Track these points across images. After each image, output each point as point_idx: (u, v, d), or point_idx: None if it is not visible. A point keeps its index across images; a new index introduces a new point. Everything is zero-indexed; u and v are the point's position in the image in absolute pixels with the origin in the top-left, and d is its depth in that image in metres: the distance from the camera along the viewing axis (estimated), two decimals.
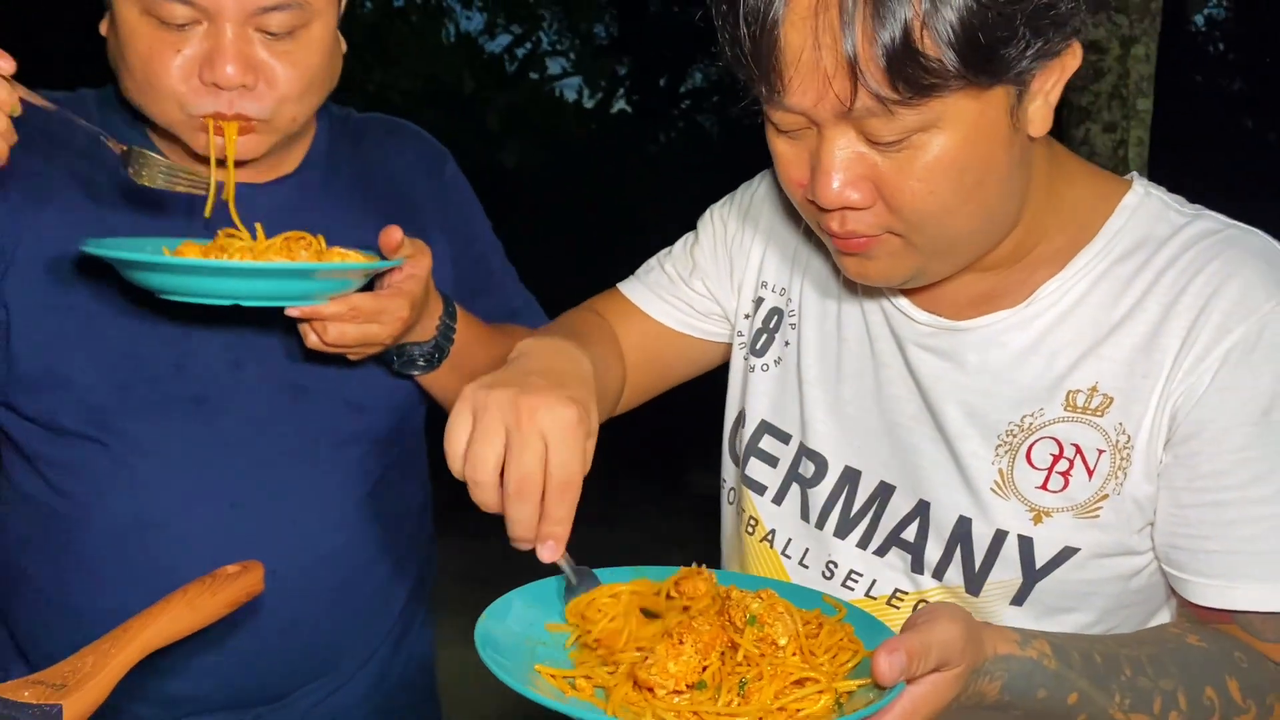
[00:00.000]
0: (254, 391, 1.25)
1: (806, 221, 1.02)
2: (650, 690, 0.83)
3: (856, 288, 1.13)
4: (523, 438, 0.87)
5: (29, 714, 0.80)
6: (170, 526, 1.23)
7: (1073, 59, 0.92)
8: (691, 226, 1.32)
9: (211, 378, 1.24)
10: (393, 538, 1.38)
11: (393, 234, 1.14)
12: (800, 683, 0.82)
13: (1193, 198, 1.06)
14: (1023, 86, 0.90)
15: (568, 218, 8.21)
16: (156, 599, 0.94)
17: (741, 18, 0.88)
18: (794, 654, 0.85)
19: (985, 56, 0.84)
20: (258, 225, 1.18)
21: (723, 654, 0.85)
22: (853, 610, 0.94)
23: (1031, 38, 0.85)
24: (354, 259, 1.16)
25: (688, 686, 0.83)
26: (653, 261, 1.31)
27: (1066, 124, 3.22)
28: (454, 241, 1.39)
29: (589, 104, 9.92)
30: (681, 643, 0.84)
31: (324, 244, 1.16)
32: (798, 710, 0.81)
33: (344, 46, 1.25)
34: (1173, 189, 1.07)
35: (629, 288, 1.30)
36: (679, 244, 1.30)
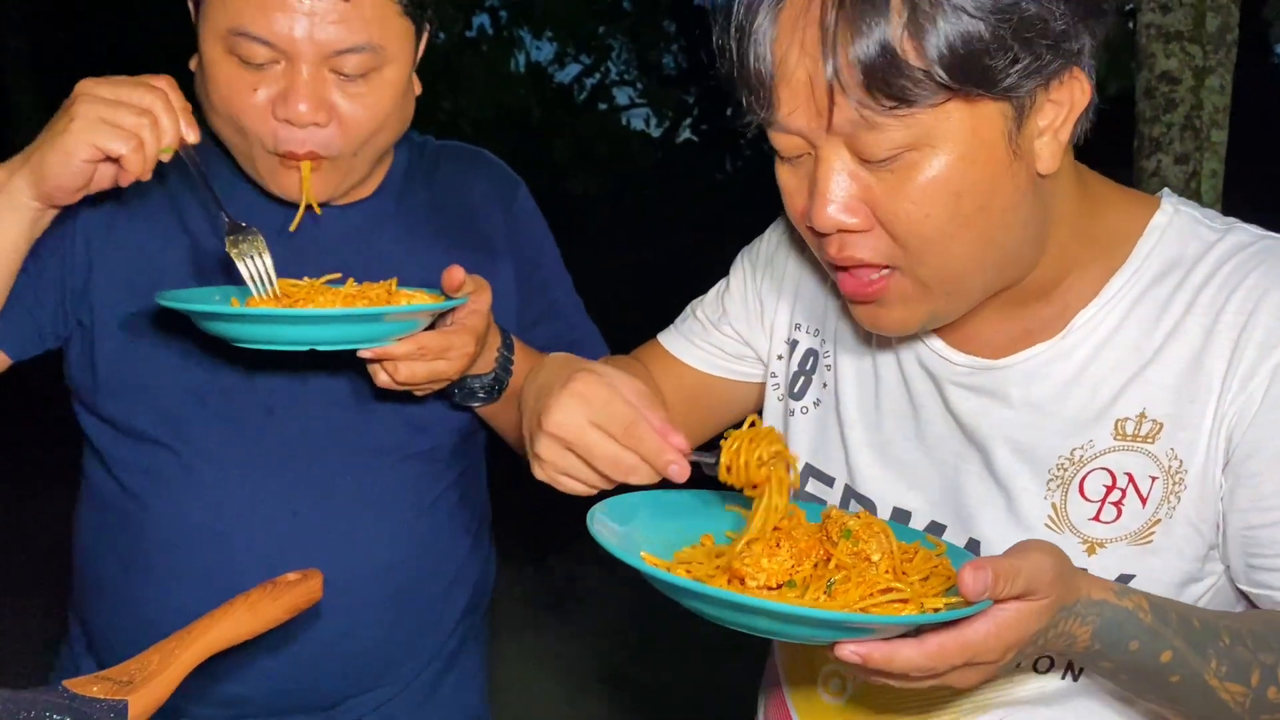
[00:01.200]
0: (320, 404, 1.29)
1: (817, 257, 1.02)
2: (741, 581, 0.86)
3: None
4: (573, 437, 0.94)
5: (97, 708, 0.83)
6: (233, 532, 1.27)
7: (1081, 94, 0.90)
8: None
9: (280, 389, 1.28)
10: (449, 555, 1.40)
11: (455, 274, 1.17)
12: (886, 592, 0.84)
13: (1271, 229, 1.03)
14: (1020, 109, 0.88)
15: (634, 245, 8.26)
16: (218, 602, 0.97)
17: (732, 35, 0.90)
18: (886, 571, 0.87)
19: (969, 65, 0.83)
20: (307, 279, 1.22)
21: (815, 565, 0.88)
22: (952, 548, 0.95)
23: (1020, 51, 0.84)
24: (420, 299, 1.19)
25: (778, 585, 0.86)
26: (688, 309, 1.33)
27: (1137, 155, 3.17)
28: (519, 267, 1.42)
29: (656, 133, 10.00)
30: (779, 545, 0.87)
31: (394, 286, 1.20)
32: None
33: (418, 89, 1.30)
34: (1249, 221, 1.04)
35: (666, 336, 1.33)
36: (713, 290, 1.32)
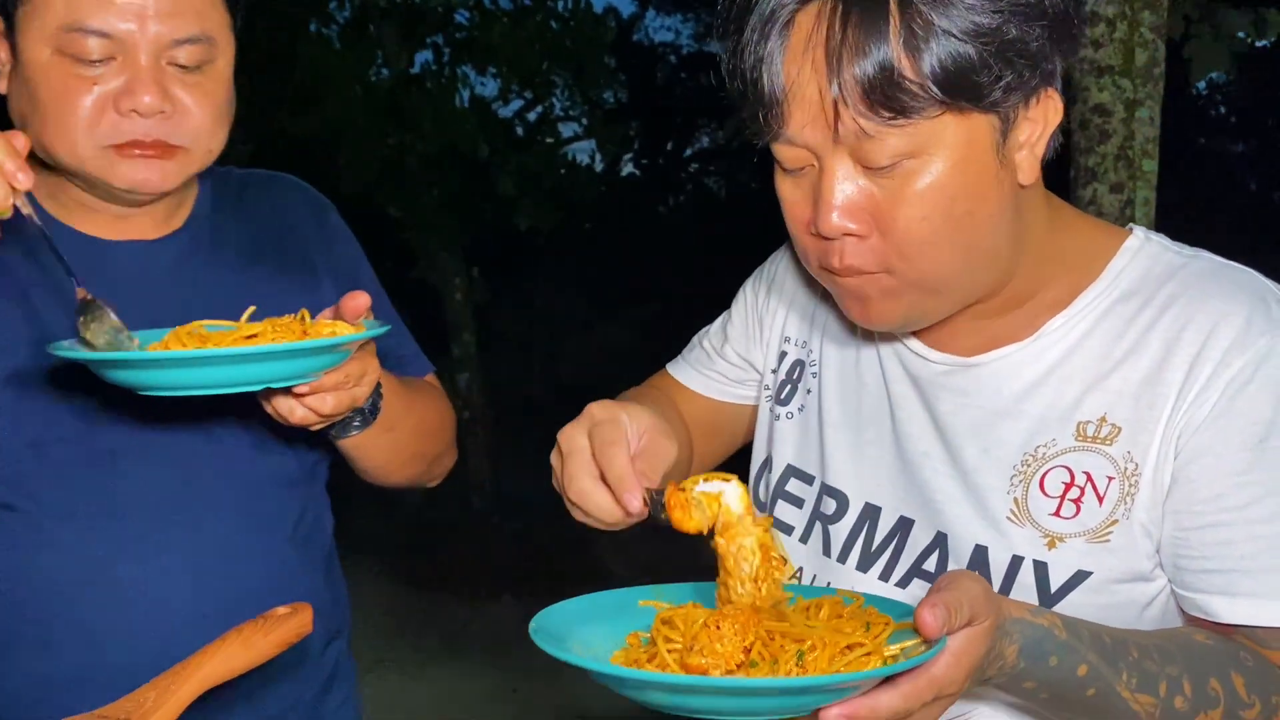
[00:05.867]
0: (164, 440, 1.26)
1: (811, 271, 1.08)
2: (705, 674, 0.86)
3: (873, 336, 1.17)
4: (570, 457, 0.98)
5: None
6: (98, 583, 1.22)
7: (1055, 113, 0.99)
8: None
9: (122, 430, 1.24)
10: (314, 579, 1.39)
11: (360, 299, 1.15)
12: (848, 650, 0.86)
13: None
14: (1005, 122, 0.97)
15: (581, 278, 8.25)
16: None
17: (745, 59, 0.97)
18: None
19: (959, 82, 0.92)
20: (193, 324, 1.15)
21: (758, 639, 0.88)
22: (869, 597, 0.98)
23: (1003, 69, 0.93)
24: (342, 331, 1.14)
25: (738, 666, 0.86)
26: (695, 339, 1.40)
27: (1074, 184, 3.25)
28: (341, 286, 1.36)
29: (599, 167, 10.04)
30: (719, 627, 0.88)
31: (308, 318, 1.15)
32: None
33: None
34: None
35: (675, 368, 1.39)
36: (718, 320, 1.38)
